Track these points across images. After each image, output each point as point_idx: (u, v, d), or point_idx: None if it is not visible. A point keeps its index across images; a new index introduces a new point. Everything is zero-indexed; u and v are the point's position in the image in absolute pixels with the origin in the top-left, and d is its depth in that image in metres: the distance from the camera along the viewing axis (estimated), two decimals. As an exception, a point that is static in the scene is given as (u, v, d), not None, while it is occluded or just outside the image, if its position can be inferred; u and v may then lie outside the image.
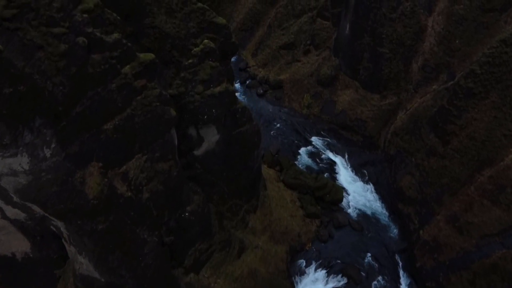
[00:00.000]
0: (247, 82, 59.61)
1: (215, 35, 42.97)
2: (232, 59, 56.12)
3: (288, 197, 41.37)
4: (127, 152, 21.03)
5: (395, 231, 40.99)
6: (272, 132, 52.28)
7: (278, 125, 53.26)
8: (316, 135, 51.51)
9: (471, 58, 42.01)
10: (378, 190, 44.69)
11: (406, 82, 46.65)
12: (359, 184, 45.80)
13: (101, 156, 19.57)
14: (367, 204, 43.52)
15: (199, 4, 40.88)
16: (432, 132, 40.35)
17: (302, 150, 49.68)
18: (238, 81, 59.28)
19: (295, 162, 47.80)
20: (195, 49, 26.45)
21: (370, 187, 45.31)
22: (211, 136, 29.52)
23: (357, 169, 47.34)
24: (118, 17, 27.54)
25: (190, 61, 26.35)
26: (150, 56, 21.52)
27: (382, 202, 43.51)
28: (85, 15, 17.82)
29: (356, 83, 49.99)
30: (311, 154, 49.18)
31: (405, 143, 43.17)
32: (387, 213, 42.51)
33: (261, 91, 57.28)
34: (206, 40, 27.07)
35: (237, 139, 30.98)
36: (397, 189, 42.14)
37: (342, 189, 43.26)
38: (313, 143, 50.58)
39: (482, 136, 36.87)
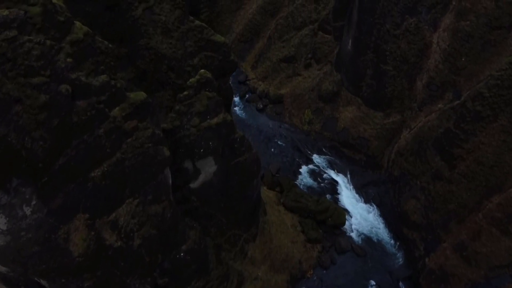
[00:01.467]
0: (247, 96, 58.21)
1: (213, 53, 41.64)
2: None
3: (289, 222, 39.98)
4: (117, 198, 19.64)
5: (400, 257, 39.60)
6: (272, 150, 50.91)
7: (279, 142, 51.88)
8: (318, 153, 50.11)
9: (478, 77, 40.62)
10: (381, 213, 43.28)
11: (410, 100, 45.25)
12: (362, 205, 44.40)
13: (88, 206, 18.19)
14: (370, 228, 42.12)
15: (197, 22, 39.55)
16: (438, 155, 38.95)
17: (303, 169, 48.30)
18: (237, 95, 57.88)
19: (296, 182, 46.43)
20: (190, 80, 25.08)
21: (373, 209, 43.92)
22: (208, 167, 28.13)
23: (360, 189, 45.94)
24: (110, 45, 26.23)
25: (185, 93, 24.97)
26: (142, 95, 20.12)
27: (386, 226, 42.11)
28: (68, 60, 16.40)
29: (358, 100, 48.58)
30: (312, 173, 47.79)
31: (410, 165, 41.77)
32: (391, 238, 41.11)
33: (261, 106, 55.89)
34: (202, 70, 25.72)
35: (235, 169, 29.60)
36: (401, 212, 40.74)
37: (344, 213, 41.87)
38: (314, 161, 49.19)
39: (491, 161, 35.50)
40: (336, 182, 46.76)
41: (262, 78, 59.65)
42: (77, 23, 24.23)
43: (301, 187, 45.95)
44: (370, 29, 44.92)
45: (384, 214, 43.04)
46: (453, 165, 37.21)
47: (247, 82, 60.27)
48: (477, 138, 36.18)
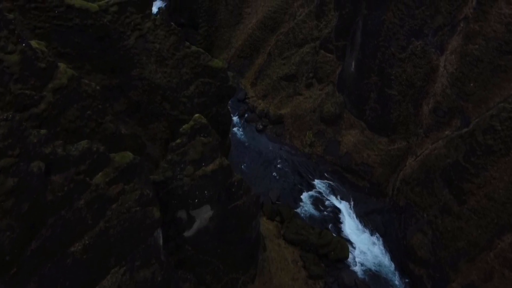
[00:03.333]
0: (246, 115, 56.41)
1: (210, 79, 39.84)
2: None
3: (290, 256, 38.14)
4: (101, 270, 17.82)
5: (406, 294, 37.84)
6: (272, 174, 49.08)
7: (279, 165, 50.06)
8: (319, 177, 48.27)
9: (488, 104, 38.80)
10: (386, 244, 41.42)
11: (416, 125, 43.40)
12: (366, 236, 42.54)
13: (67, 285, 16.37)
14: (375, 261, 40.27)
15: (193, 48, 37.78)
16: (446, 187, 37.11)
17: (304, 195, 46.45)
18: (236, 114, 56.19)
19: (297, 210, 44.61)
20: (184, 127, 23.23)
21: (378, 240, 42.06)
22: (203, 213, 26.32)
23: (363, 218, 44.09)
24: (98, 87, 24.49)
25: (178, 141, 23.11)
26: (128, 156, 18.26)
27: (391, 259, 40.24)
28: (42, 131, 14.55)
29: (362, 123, 46.77)
30: (314, 200, 45.95)
31: (416, 196, 39.92)
32: (396, 273, 39.23)
33: (261, 127, 54.07)
34: (196, 115, 23.89)
35: (233, 213, 27.77)
36: (407, 246, 38.89)
37: (348, 246, 40.03)
38: (316, 186, 47.35)
39: (502, 197, 33.66)
40: (339, 210, 44.92)
41: (262, 97, 57.87)
42: (62, 66, 22.50)
43: (302, 215, 44.14)
44: (374, 52, 43.11)
45: (389, 246, 41.18)
46: (462, 200, 35.35)
47: (246, 100, 58.52)
48: (488, 172, 34.35)
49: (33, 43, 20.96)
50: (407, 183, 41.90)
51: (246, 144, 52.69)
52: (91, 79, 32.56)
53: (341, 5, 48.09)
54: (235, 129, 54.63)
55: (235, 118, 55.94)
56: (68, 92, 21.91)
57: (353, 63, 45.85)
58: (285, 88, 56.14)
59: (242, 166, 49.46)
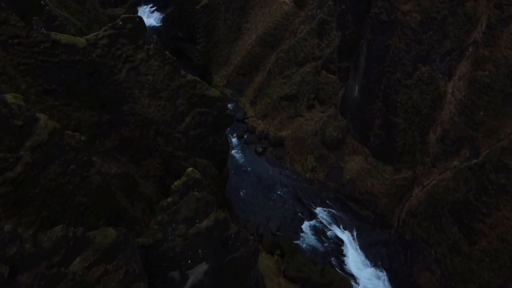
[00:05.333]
0: (245, 136, 54.48)
1: (207, 109, 37.99)
2: (229, 106, 51.10)
3: (290, 296, 36.31)
4: None
5: (413, 337, 35.98)
6: (272, 201, 47.18)
7: (279, 191, 48.14)
8: (321, 205, 46.36)
9: (498, 134, 36.88)
10: (391, 280, 39.51)
11: (422, 154, 41.48)
12: (370, 270, 40.64)
13: None
14: (380, 299, 38.47)
15: (189, 77, 36.04)
16: (455, 225, 35.22)
17: (306, 226, 44.54)
18: (235, 135, 54.35)
19: (298, 241, 42.71)
20: (175, 184, 21.30)
21: (383, 275, 40.15)
22: (198, 268, 24.44)
23: (367, 250, 42.16)
24: (82, 138, 22.60)
25: (169, 199, 21.17)
26: (111, 236, 16.29)
27: (397, 297, 38.45)
28: (7, 228, 12.62)
29: (366, 150, 44.84)
30: (315, 231, 44.04)
31: (423, 231, 38.03)
32: (403, 313, 37.48)
33: (260, 149, 52.14)
34: (189, 169, 21.97)
35: (230, 266, 25.87)
36: (414, 285, 37.01)
37: (351, 285, 38.07)
38: (318, 215, 45.42)
39: (516, 238, 31.82)
40: (342, 241, 43.01)
41: (262, 117, 55.98)
42: (42, 120, 20.60)
43: (304, 247, 42.24)
44: (379, 77, 41.20)
45: (395, 282, 39.28)
46: (473, 241, 33.47)
47: (246, 120, 56.63)
48: (501, 212, 32.46)
49: (9, 97, 19.07)
50: (413, 216, 40.00)
51: (245, 168, 50.82)
52: (80, 116, 30.71)
53: (344, 26, 46.19)
54: (233, 151, 52.76)
55: (234, 140, 54.14)
56: (49, 148, 20.07)
57: (356, 88, 43.94)
58: (285, 109, 54.24)
59: (241, 193, 47.62)
